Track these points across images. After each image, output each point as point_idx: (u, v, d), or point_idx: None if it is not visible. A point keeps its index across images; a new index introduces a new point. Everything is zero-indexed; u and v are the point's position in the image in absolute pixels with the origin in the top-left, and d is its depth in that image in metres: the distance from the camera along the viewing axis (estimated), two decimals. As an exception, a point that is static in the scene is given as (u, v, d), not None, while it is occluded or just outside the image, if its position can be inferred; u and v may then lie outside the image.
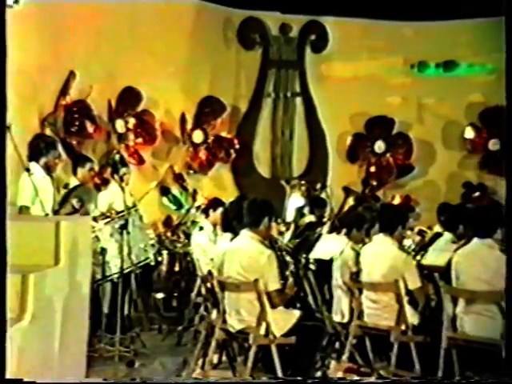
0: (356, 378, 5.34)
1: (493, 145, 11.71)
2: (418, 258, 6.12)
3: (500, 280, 4.77)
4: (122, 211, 6.52)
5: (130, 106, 10.67)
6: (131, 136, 10.67)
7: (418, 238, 7.26)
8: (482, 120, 11.74)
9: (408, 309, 5.43)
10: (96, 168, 7.81)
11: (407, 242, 6.82)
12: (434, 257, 6.03)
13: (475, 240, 5.09)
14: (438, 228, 6.79)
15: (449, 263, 5.18)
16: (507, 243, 3.75)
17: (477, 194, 11.01)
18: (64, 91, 9.98)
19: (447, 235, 6.27)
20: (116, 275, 6.36)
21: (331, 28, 11.90)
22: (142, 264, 6.66)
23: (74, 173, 7.17)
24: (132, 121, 10.69)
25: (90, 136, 10.20)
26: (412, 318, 5.43)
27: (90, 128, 10.17)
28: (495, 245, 4.99)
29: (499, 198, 9.08)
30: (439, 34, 11.64)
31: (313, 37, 11.98)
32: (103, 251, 6.33)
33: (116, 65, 10.27)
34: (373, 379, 5.10)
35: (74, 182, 7.05)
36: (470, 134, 11.71)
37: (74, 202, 6.35)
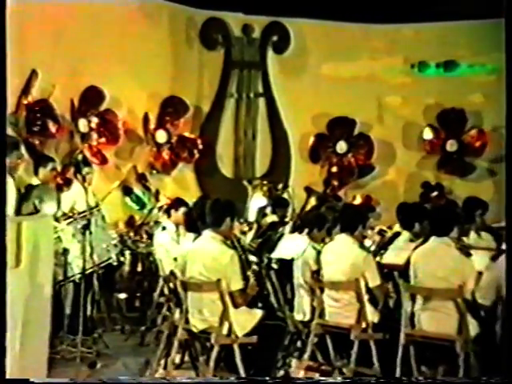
0: (317, 376, 5.40)
1: (450, 146, 11.90)
2: (378, 256, 6.20)
3: (456, 277, 4.91)
4: (85, 211, 6.50)
5: (92, 106, 10.61)
6: (94, 135, 10.60)
7: (378, 238, 7.36)
8: (439, 121, 11.92)
9: (368, 307, 5.52)
10: (58, 168, 7.76)
11: (367, 242, 6.90)
12: (394, 255, 6.09)
13: (433, 238, 5.19)
14: (397, 227, 6.88)
15: (407, 261, 5.28)
16: (507, 243, 3.82)
17: (435, 193, 11.18)
18: (26, 90, 9.89)
19: (406, 234, 6.34)
20: (78, 276, 6.33)
21: (293, 29, 11.99)
22: (104, 264, 6.65)
23: (36, 173, 7.11)
24: (95, 120, 10.62)
25: (53, 136, 10.12)
26: (372, 315, 5.52)
27: (52, 127, 10.08)
28: (451, 243, 5.11)
29: (455, 198, 9.24)
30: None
31: (275, 38, 12.06)
32: (65, 252, 6.30)
33: (79, 64, 10.21)
34: (332, 379, 5.16)
35: (35, 182, 7.00)
36: (428, 134, 11.88)
37: (35, 202, 6.32)
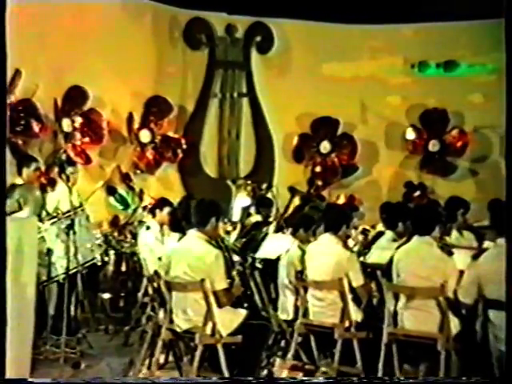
0: (301, 375, 5.43)
1: (432, 146, 11.98)
2: (362, 256, 6.24)
3: (438, 276, 4.96)
4: (69, 211, 6.49)
5: (76, 105, 10.58)
6: (78, 135, 10.57)
7: (361, 237, 7.40)
8: (422, 121, 12.00)
9: (352, 306, 5.55)
10: (42, 168, 7.73)
11: (351, 241, 6.95)
12: (377, 255, 6.15)
13: (415, 238, 5.23)
14: (380, 227, 6.92)
15: (390, 261, 5.32)
16: (507, 244, 3.85)
17: (417, 193, 11.25)
18: (9, 90, 9.84)
19: (389, 234, 6.39)
20: (62, 276, 6.32)
21: (276, 30, 12.02)
22: (88, 264, 6.64)
23: (19, 173, 7.09)
24: (79, 120, 10.60)
25: (36, 135, 10.08)
26: (355, 315, 5.56)
27: (35, 127, 10.05)
28: (433, 242, 5.15)
29: (437, 197, 9.29)
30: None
31: (258, 38, 12.08)
32: (49, 252, 6.29)
33: (62, 63, 10.18)
34: (315, 379, 5.19)
35: (19, 182, 6.98)
36: (410, 135, 11.95)
37: (18, 201, 6.30)
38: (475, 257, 4.85)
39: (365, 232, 7.64)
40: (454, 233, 6.51)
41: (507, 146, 3.92)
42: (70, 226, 6.24)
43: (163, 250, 6.09)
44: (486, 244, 5.65)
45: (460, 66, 12.01)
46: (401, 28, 11.84)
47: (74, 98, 10.52)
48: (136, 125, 11.16)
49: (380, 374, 5.00)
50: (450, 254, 5.22)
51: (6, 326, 2.87)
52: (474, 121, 11.68)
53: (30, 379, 3.08)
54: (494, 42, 9.47)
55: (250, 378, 4.42)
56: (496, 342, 4.51)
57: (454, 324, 4.92)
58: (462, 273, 4.93)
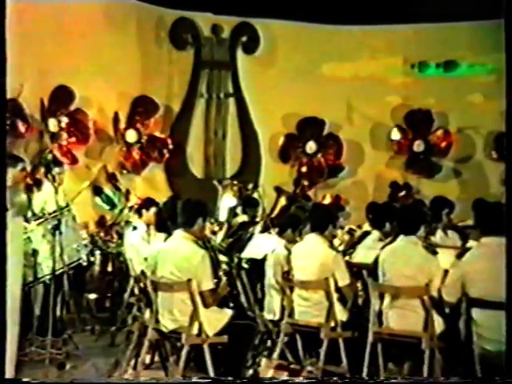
0: (286, 375, 5.44)
1: (417, 146, 12.05)
2: (348, 256, 6.27)
3: (423, 275, 4.99)
4: (55, 211, 6.47)
5: (62, 105, 10.57)
6: (64, 135, 10.57)
7: (347, 237, 7.43)
8: (407, 122, 12.06)
9: (337, 306, 5.58)
10: (28, 168, 7.71)
11: (337, 241, 6.98)
12: (363, 254, 6.18)
13: (401, 237, 5.26)
14: (366, 226, 6.95)
15: (376, 260, 5.34)
16: (507, 244, 3.88)
17: (402, 193, 11.31)
18: (-7, 90, 9.79)
19: (375, 233, 6.42)
20: (48, 277, 6.30)
21: (262, 30, 12.04)
22: (74, 265, 6.62)
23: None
24: (65, 120, 10.59)
25: (22, 135, 10.06)
26: (341, 314, 5.58)
27: (21, 127, 10.03)
28: (418, 241, 5.19)
29: (422, 197, 9.33)
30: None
31: (244, 38, 12.11)
32: (35, 253, 6.27)
33: (48, 63, 10.16)
34: (297, 379, 5.21)
35: (4, 183, 6.94)
36: (396, 135, 12.00)
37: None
38: (459, 256, 4.88)
39: (351, 232, 7.68)
40: (439, 232, 6.55)
41: (507, 145, 3.94)
42: (56, 227, 6.22)
43: (149, 250, 6.07)
44: (470, 243, 5.69)
45: (460, 66, 12.08)
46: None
47: (60, 97, 10.51)
48: (122, 125, 11.15)
49: (365, 374, 5.02)
50: (435, 253, 5.25)
51: (6, 326, 2.86)
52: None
53: (26, 379, 3.08)
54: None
55: (231, 378, 4.42)
56: (479, 341, 4.55)
57: (438, 323, 4.95)
58: (446, 272, 4.96)
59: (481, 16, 10.68)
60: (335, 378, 4.80)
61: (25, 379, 3.60)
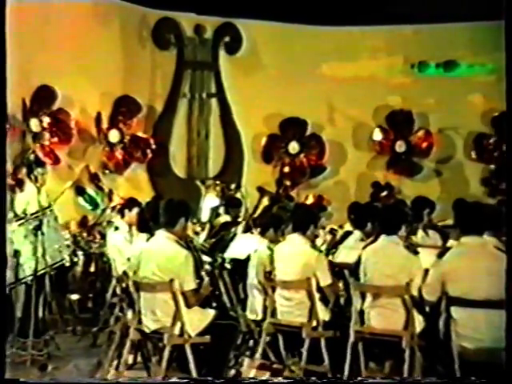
0: (268, 375, 5.46)
1: (399, 146, 12.11)
2: (330, 255, 6.29)
3: (403, 275, 5.04)
4: (37, 212, 6.45)
5: (44, 105, 10.54)
6: (46, 135, 10.53)
7: (329, 237, 7.46)
8: (388, 122, 12.12)
9: (319, 305, 5.60)
10: (10, 168, 7.67)
11: (319, 241, 7.00)
12: (345, 254, 6.20)
13: (382, 237, 5.29)
14: (348, 226, 6.98)
15: (357, 260, 5.37)
16: (507, 244, 3.91)
17: (384, 193, 11.37)
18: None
19: (357, 233, 6.45)
20: (30, 277, 6.28)
21: (245, 30, 12.06)
22: (56, 265, 6.60)
23: (-14, 174, 7.02)
24: (47, 120, 10.56)
25: (3, 136, 9.99)
26: (323, 314, 5.60)
27: (2, 127, 9.96)
28: (400, 241, 5.23)
29: (404, 197, 9.40)
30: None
31: (227, 39, 12.12)
32: (16, 253, 6.25)
33: (30, 63, 10.11)
34: (281, 379, 5.23)
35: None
36: (377, 135, 12.06)
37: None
38: (439, 255, 4.92)
39: (333, 232, 7.70)
40: (420, 232, 6.60)
41: (507, 145, 3.98)
42: (38, 227, 6.21)
43: (132, 250, 6.07)
44: (450, 243, 5.74)
45: (460, 66, 12.10)
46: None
47: (43, 97, 10.47)
48: (105, 124, 11.13)
49: (346, 373, 5.05)
50: (416, 253, 5.29)
51: (6, 326, 2.84)
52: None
53: (24, 379, 3.06)
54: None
55: (210, 378, 4.43)
56: (458, 339, 4.60)
57: (419, 322, 5.00)
58: (427, 271, 5.00)
59: (480, 17, 10.73)
60: (314, 378, 4.82)
61: (23, 379, 3.58)
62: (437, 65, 12.15)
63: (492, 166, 12.02)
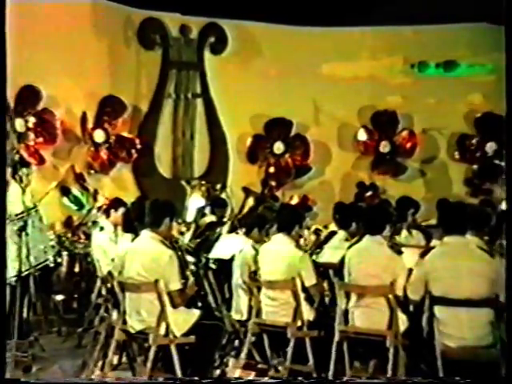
0: (253, 375, 5.48)
1: (383, 147, 12.17)
2: (315, 255, 6.31)
3: (387, 275, 5.07)
4: (22, 212, 6.44)
5: (29, 105, 10.50)
6: (31, 135, 10.50)
7: (314, 237, 7.49)
8: (373, 123, 12.17)
9: (304, 305, 5.62)
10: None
11: (304, 241, 7.02)
12: (329, 254, 6.22)
13: (366, 237, 5.33)
14: (333, 227, 7.01)
15: (342, 260, 5.40)
16: (507, 244, 3.93)
17: (369, 193, 11.42)
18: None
19: (342, 233, 6.48)
20: (14, 278, 6.26)
21: (230, 30, 12.06)
22: (41, 266, 6.58)
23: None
24: (32, 120, 10.52)
25: (-13, 136, 9.95)
26: (308, 313, 5.62)
27: (-14, 128, 9.92)
28: (384, 241, 5.26)
29: (388, 197, 9.44)
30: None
31: (212, 39, 12.12)
32: (0, 254, 6.22)
33: (14, 63, 10.04)
34: (267, 379, 5.25)
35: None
36: (362, 136, 12.11)
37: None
38: (423, 255, 4.96)
39: (317, 232, 7.73)
40: (404, 232, 6.64)
41: (507, 145, 4.01)
42: (23, 228, 6.19)
43: (117, 250, 6.07)
44: (434, 242, 5.78)
45: (460, 66, 12.14)
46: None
47: (27, 97, 10.42)
48: (90, 124, 11.10)
49: (331, 372, 5.08)
50: (400, 252, 5.32)
51: (6, 326, 2.83)
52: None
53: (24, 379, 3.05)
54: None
55: (196, 379, 4.44)
56: (440, 337, 4.64)
57: (402, 321, 5.03)
58: (410, 271, 5.04)
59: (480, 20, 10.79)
60: (300, 378, 4.84)
61: (23, 379, 3.58)
62: (437, 65, 12.20)
63: (475, 167, 12.11)
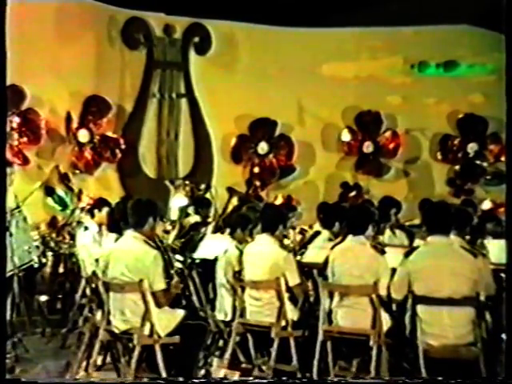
0: (237, 375, 5.49)
1: (366, 147, 12.23)
2: (299, 255, 6.33)
3: (370, 274, 5.10)
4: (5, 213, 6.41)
5: (13, 105, 10.46)
6: (15, 135, 10.47)
7: (298, 237, 7.51)
8: (357, 123, 12.22)
9: (288, 305, 5.62)
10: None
11: (288, 241, 7.04)
12: (313, 254, 6.23)
13: (350, 237, 5.35)
14: (317, 226, 7.03)
15: (326, 260, 5.42)
16: (507, 243, 3.95)
17: (353, 193, 11.48)
18: None
19: (326, 233, 6.50)
20: (-3, 279, 6.23)
21: (214, 31, 12.07)
22: (25, 267, 6.56)
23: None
24: (16, 120, 10.50)
25: (-30, 136, 9.91)
26: (292, 313, 5.62)
27: (-31, 128, 9.88)
28: (367, 241, 5.29)
29: (372, 197, 9.50)
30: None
31: (196, 39, 12.13)
32: (-16, 255, 6.19)
33: (-3, 62, 10.02)
34: (252, 379, 5.26)
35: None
36: (346, 136, 12.16)
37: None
38: (406, 255, 4.98)
39: (302, 232, 7.75)
40: (387, 232, 6.68)
41: (507, 145, 4.03)
42: (7, 228, 6.17)
43: (101, 250, 6.05)
44: (417, 242, 5.81)
45: (460, 66, 12.20)
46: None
47: (11, 97, 10.38)
48: (74, 124, 11.09)
49: (315, 371, 5.10)
50: (383, 252, 5.34)
51: (6, 327, 2.83)
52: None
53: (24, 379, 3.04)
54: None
55: (181, 379, 4.45)
56: (423, 336, 4.68)
57: (385, 320, 5.06)
58: (394, 271, 5.07)
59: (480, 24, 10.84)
60: (284, 378, 4.86)
61: (24, 379, 3.57)
62: (437, 65, 12.25)
63: (457, 167, 12.20)
